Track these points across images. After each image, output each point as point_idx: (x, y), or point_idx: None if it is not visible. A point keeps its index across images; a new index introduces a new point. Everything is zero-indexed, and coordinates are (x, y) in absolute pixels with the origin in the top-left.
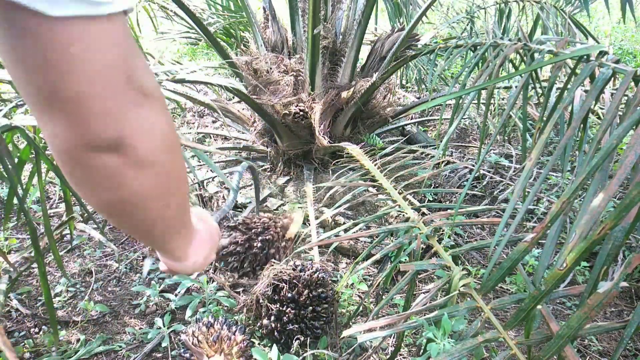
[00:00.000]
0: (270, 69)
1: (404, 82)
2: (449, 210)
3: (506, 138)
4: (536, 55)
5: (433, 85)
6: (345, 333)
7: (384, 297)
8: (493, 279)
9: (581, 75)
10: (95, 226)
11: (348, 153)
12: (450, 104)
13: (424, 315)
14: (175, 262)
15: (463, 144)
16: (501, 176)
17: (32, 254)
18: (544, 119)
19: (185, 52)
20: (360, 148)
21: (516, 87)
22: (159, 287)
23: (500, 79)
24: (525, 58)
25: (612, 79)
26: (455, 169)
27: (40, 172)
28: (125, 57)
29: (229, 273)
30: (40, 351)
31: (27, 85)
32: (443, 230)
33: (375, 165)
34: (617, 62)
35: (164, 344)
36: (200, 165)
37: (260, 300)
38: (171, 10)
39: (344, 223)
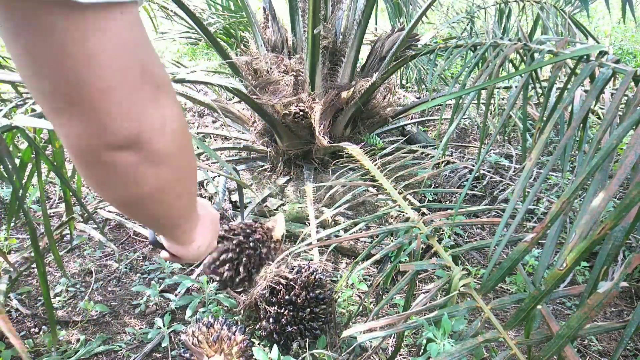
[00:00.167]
0: (270, 69)
1: (404, 82)
2: (449, 210)
3: (506, 138)
4: (536, 55)
5: (433, 85)
6: (345, 333)
7: (384, 297)
8: (493, 279)
9: (581, 75)
10: (95, 226)
11: (348, 153)
12: (450, 104)
13: (424, 315)
14: (180, 246)
15: (463, 144)
16: (501, 176)
17: (32, 254)
18: (544, 119)
19: (185, 52)
20: (360, 148)
21: (516, 87)
22: (159, 287)
23: (500, 79)
24: (525, 58)
25: (612, 79)
26: (455, 169)
27: (40, 172)
28: (140, 48)
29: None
30: (40, 351)
31: (42, 83)
32: (443, 230)
33: (375, 165)
34: (617, 62)
35: (164, 344)
36: (199, 165)
37: (258, 303)
38: (171, 10)
39: (344, 223)
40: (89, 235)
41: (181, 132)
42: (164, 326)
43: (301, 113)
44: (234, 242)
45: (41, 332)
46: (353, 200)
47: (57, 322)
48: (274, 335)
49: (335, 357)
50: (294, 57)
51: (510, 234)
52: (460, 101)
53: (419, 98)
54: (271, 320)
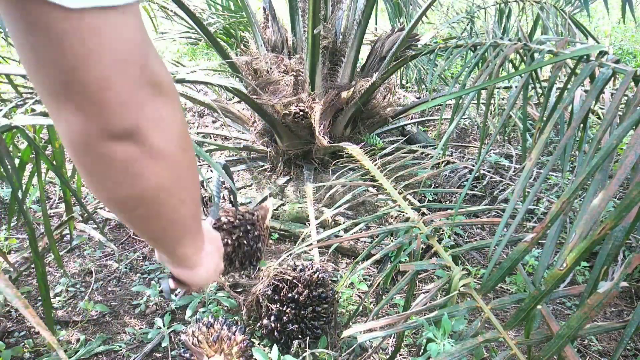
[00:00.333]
0: (270, 69)
1: (404, 82)
2: (449, 210)
3: (506, 138)
4: (536, 55)
5: (433, 85)
6: (345, 333)
7: (384, 297)
8: (493, 279)
9: (581, 75)
10: (95, 226)
11: (348, 153)
12: (450, 104)
13: (424, 315)
14: (187, 270)
15: (463, 144)
16: (501, 176)
17: (32, 254)
18: (544, 119)
19: (185, 52)
20: (360, 148)
21: (516, 87)
22: (159, 287)
23: (500, 79)
24: (525, 58)
25: (612, 79)
26: (455, 169)
27: (40, 172)
28: (140, 48)
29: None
30: (40, 351)
31: (42, 77)
32: (443, 230)
33: (375, 165)
34: (617, 62)
35: (164, 344)
36: (200, 164)
37: (260, 300)
38: (171, 10)
39: (344, 223)
40: (89, 235)
41: (182, 133)
42: (164, 326)
43: (301, 113)
44: (233, 237)
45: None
46: (353, 200)
47: (57, 322)
48: (275, 334)
49: (335, 357)
50: (294, 57)
51: (510, 234)
52: (460, 101)
53: (419, 98)
54: (273, 318)
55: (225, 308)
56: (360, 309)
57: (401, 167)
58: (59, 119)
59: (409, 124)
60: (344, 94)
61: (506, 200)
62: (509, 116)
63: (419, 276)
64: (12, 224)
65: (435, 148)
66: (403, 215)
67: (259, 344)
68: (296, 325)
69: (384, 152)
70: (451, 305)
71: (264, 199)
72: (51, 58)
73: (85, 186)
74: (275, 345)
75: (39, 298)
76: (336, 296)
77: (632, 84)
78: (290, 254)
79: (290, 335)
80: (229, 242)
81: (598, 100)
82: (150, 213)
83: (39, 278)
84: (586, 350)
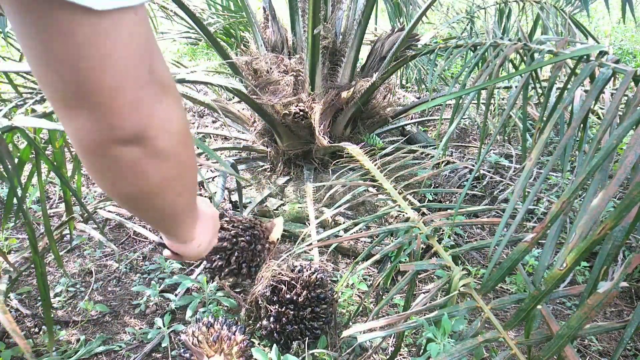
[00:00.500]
0: (270, 69)
1: (404, 82)
2: (449, 210)
3: (506, 138)
4: (536, 55)
5: (433, 85)
6: (345, 333)
7: (384, 297)
8: (493, 279)
9: (581, 75)
10: (95, 226)
11: (348, 153)
12: (450, 104)
13: (424, 315)
14: (181, 244)
15: (463, 144)
16: (501, 176)
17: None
18: (544, 119)
19: (185, 52)
20: (360, 148)
21: (516, 87)
22: (159, 287)
23: (500, 79)
24: (525, 58)
25: (612, 79)
26: (455, 169)
27: (40, 172)
28: (149, 49)
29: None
30: (40, 351)
31: (53, 80)
32: (443, 230)
33: (375, 165)
34: (617, 62)
35: (164, 344)
36: (200, 165)
37: (259, 302)
38: (171, 10)
39: (344, 223)
40: (89, 235)
41: (184, 132)
42: (164, 326)
43: (301, 113)
44: (231, 232)
45: (41, 332)
46: (353, 200)
47: (57, 322)
48: (275, 335)
49: (335, 357)
50: (294, 57)
51: (510, 234)
52: (460, 101)
53: (419, 98)
54: (272, 319)
55: (225, 308)
56: (360, 309)
57: (401, 167)
58: (69, 122)
59: (409, 124)
60: (344, 94)
61: (506, 200)
62: (509, 116)
63: (419, 276)
64: (12, 224)
65: (435, 148)
66: (403, 215)
67: (259, 344)
68: (295, 326)
69: (384, 152)
70: (451, 305)
71: (264, 199)
72: (65, 62)
73: (92, 180)
74: (275, 345)
75: (39, 298)
76: (336, 296)
77: (632, 84)
78: (290, 254)
79: (289, 336)
80: (226, 237)
81: (598, 100)
82: (151, 205)
83: (38, 278)
84: (586, 350)
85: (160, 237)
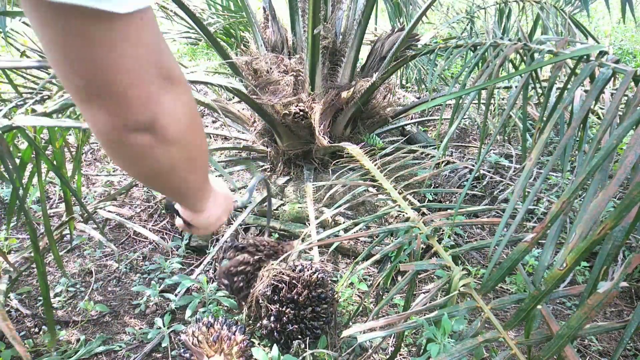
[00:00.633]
0: (270, 69)
1: (404, 82)
2: (449, 210)
3: (506, 138)
4: (536, 55)
5: (433, 85)
6: (345, 333)
7: (384, 297)
8: (493, 279)
9: (581, 75)
10: (95, 226)
11: (348, 153)
12: (450, 104)
13: (424, 315)
14: (194, 214)
15: (463, 144)
16: (501, 176)
17: (32, 254)
18: (544, 119)
19: (185, 52)
20: (360, 148)
21: (516, 87)
22: (159, 287)
23: (500, 79)
24: (525, 58)
25: (612, 79)
26: (455, 169)
27: (41, 172)
28: (157, 46)
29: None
30: (40, 351)
31: (76, 80)
32: (443, 230)
33: (375, 165)
34: (617, 62)
35: (164, 344)
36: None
37: (260, 301)
38: (171, 10)
39: (344, 223)
40: (89, 235)
41: (193, 119)
42: (164, 326)
43: (301, 113)
44: (255, 257)
45: (41, 332)
46: (353, 200)
47: (57, 322)
48: (275, 334)
49: (335, 357)
50: (294, 57)
51: (510, 234)
52: (460, 101)
53: (419, 98)
54: (272, 318)
55: (225, 308)
56: (360, 309)
57: (401, 167)
58: (88, 114)
59: (409, 124)
60: (344, 94)
61: (506, 200)
62: (509, 116)
63: (419, 276)
64: (12, 224)
65: (435, 148)
66: (403, 215)
67: (259, 344)
68: (296, 326)
69: (384, 152)
70: (451, 305)
71: (264, 200)
72: (82, 62)
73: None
74: (275, 345)
75: (39, 298)
76: (336, 296)
77: (632, 84)
78: (290, 254)
79: (290, 336)
80: (251, 261)
81: (598, 100)
82: (165, 182)
83: (40, 278)
84: (586, 350)
85: (173, 205)
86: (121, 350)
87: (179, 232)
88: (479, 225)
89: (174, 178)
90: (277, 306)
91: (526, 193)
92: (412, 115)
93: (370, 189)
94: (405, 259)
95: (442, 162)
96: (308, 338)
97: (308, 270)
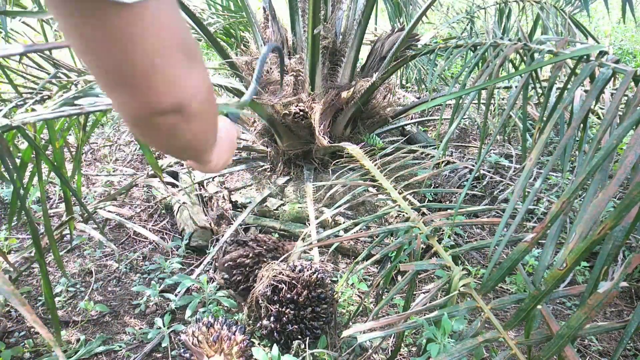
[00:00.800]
0: (270, 69)
1: (404, 82)
2: (449, 210)
3: (506, 138)
4: (536, 55)
5: (433, 85)
6: (345, 333)
7: (384, 297)
8: (493, 279)
9: (581, 75)
10: (95, 226)
11: (348, 153)
12: (450, 104)
13: (424, 315)
14: (200, 164)
15: (463, 144)
16: (501, 176)
17: (32, 254)
18: (544, 119)
19: None
20: (360, 148)
21: (516, 87)
22: (159, 287)
23: (500, 79)
24: (525, 58)
25: (612, 79)
26: (455, 169)
27: (41, 172)
28: (175, 26)
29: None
30: (40, 351)
31: (98, 66)
32: (443, 230)
33: (375, 165)
34: (617, 62)
35: (164, 344)
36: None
37: (260, 301)
38: None
39: (344, 223)
40: (89, 235)
41: (211, 91)
42: (164, 326)
43: (301, 113)
44: (255, 251)
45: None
46: (353, 200)
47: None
48: (275, 334)
49: (335, 357)
50: (294, 57)
51: (510, 234)
52: (460, 101)
53: (419, 98)
54: (272, 318)
55: (225, 308)
56: (360, 309)
57: (401, 167)
58: (115, 101)
59: (409, 124)
60: (344, 94)
61: (506, 200)
62: (509, 116)
63: (419, 276)
64: (12, 224)
65: (435, 148)
66: (403, 215)
67: (259, 344)
68: (296, 326)
69: (384, 152)
70: (451, 305)
71: (264, 199)
72: (103, 51)
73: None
74: (275, 345)
75: (39, 298)
76: (336, 296)
77: (632, 84)
78: (290, 254)
79: (290, 336)
80: (250, 254)
81: (598, 100)
82: (183, 150)
83: (43, 278)
84: (586, 350)
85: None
86: (121, 350)
87: (179, 232)
88: (479, 225)
89: (193, 146)
90: (277, 306)
91: (526, 193)
92: (412, 115)
93: (370, 189)
94: (405, 259)
95: (442, 162)
96: (308, 338)
97: (308, 271)
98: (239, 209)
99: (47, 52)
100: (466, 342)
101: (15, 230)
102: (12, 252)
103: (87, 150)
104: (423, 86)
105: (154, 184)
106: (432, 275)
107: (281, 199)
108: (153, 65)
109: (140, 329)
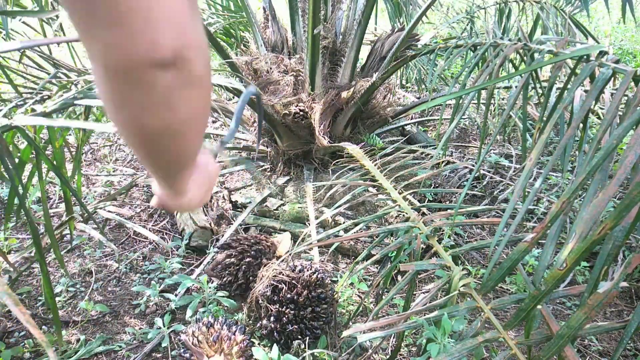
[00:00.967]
0: (270, 69)
1: (404, 82)
2: (449, 210)
3: (506, 138)
4: (536, 55)
5: (433, 85)
6: (345, 333)
7: (384, 297)
8: (493, 279)
9: (581, 75)
10: (95, 226)
11: (348, 153)
12: (450, 104)
13: (424, 315)
14: (173, 195)
15: (463, 144)
16: (501, 176)
17: (32, 254)
18: (544, 119)
19: None
20: (360, 148)
21: (516, 87)
22: (159, 287)
23: (500, 79)
24: (525, 58)
25: (612, 79)
26: (455, 169)
27: (41, 172)
28: None
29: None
30: (40, 351)
31: None
32: (443, 230)
33: (375, 165)
34: (617, 62)
35: (164, 344)
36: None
37: (260, 301)
38: None
39: (344, 223)
40: (89, 235)
41: (209, 61)
42: (164, 326)
43: (301, 113)
44: (238, 249)
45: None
46: (353, 200)
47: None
48: (275, 334)
49: (335, 357)
50: (294, 57)
51: (510, 234)
52: (460, 101)
53: (419, 98)
54: (272, 318)
55: (225, 308)
56: (360, 309)
57: (401, 167)
58: (98, 43)
59: (409, 124)
60: (344, 94)
61: (506, 200)
62: (509, 116)
63: (419, 276)
64: (12, 224)
65: (435, 148)
66: (403, 215)
67: (259, 344)
68: (296, 326)
69: (384, 152)
70: (451, 305)
71: (264, 200)
72: None
73: (108, 116)
74: (275, 345)
75: (39, 298)
76: (336, 296)
77: (632, 84)
78: (290, 254)
79: (290, 336)
80: (233, 253)
81: (598, 100)
82: (170, 146)
83: (43, 278)
84: (586, 350)
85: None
86: (121, 350)
87: (179, 232)
88: (479, 225)
89: (183, 139)
90: (277, 306)
91: (526, 193)
92: (412, 115)
93: (370, 189)
94: (405, 259)
95: (442, 162)
96: (308, 338)
97: (308, 271)
98: (239, 209)
99: (47, 52)
100: (466, 342)
101: (15, 230)
102: (12, 252)
103: (87, 150)
104: (423, 86)
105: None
106: (432, 275)
107: (281, 199)
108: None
109: (140, 329)
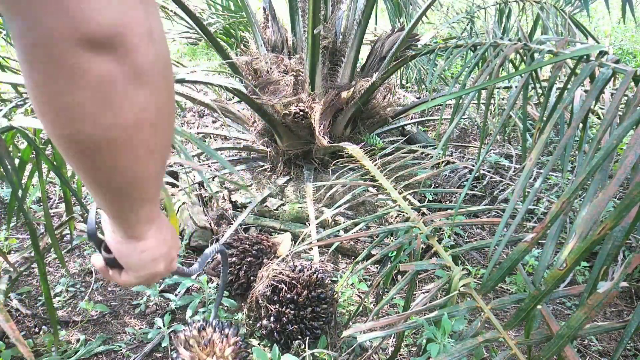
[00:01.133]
0: (270, 69)
1: (404, 82)
2: (449, 210)
3: (506, 138)
4: (536, 55)
5: (433, 85)
6: (345, 333)
7: (384, 297)
8: (493, 279)
9: (581, 75)
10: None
11: (348, 153)
12: (450, 104)
13: (424, 315)
14: (128, 243)
15: (463, 144)
16: (501, 176)
17: (32, 254)
18: (544, 119)
19: (185, 52)
20: (360, 148)
21: (516, 87)
22: (159, 287)
23: (500, 79)
24: (525, 58)
25: (612, 79)
26: (455, 169)
27: (41, 172)
28: None
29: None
30: (40, 351)
31: None
32: (443, 230)
33: (375, 165)
34: (617, 62)
35: (164, 344)
36: (201, 162)
37: (260, 301)
38: (171, 11)
39: (344, 223)
40: None
41: (168, 56)
42: (164, 326)
43: (301, 113)
44: (239, 248)
45: (41, 332)
46: (353, 200)
47: (57, 322)
48: (275, 334)
49: (335, 357)
50: (294, 57)
51: (510, 234)
52: (460, 101)
53: (419, 98)
54: (272, 318)
55: (226, 308)
56: (360, 309)
57: (401, 167)
58: (23, 21)
59: (409, 124)
60: (344, 94)
61: (506, 200)
62: (509, 116)
63: (419, 276)
64: (12, 224)
65: (435, 148)
66: (403, 215)
67: (259, 344)
68: (295, 326)
69: (384, 152)
70: (451, 305)
71: (264, 200)
72: None
73: (36, 114)
74: (275, 345)
75: (39, 298)
76: (336, 296)
77: (632, 84)
78: (290, 254)
79: (289, 336)
80: (235, 253)
81: (598, 100)
82: (115, 160)
83: (41, 278)
84: (586, 350)
85: (96, 226)
86: (121, 350)
87: (179, 232)
88: (479, 225)
89: (130, 153)
90: (277, 306)
91: (526, 193)
92: (412, 115)
93: (370, 189)
94: (405, 259)
95: (442, 162)
96: (308, 338)
97: (308, 271)
98: (239, 209)
99: None
100: (466, 342)
101: (16, 230)
102: (12, 252)
103: None
104: (423, 86)
105: None
106: (432, 275)
107: (281, 199)
108: None
109: (140, 329)
